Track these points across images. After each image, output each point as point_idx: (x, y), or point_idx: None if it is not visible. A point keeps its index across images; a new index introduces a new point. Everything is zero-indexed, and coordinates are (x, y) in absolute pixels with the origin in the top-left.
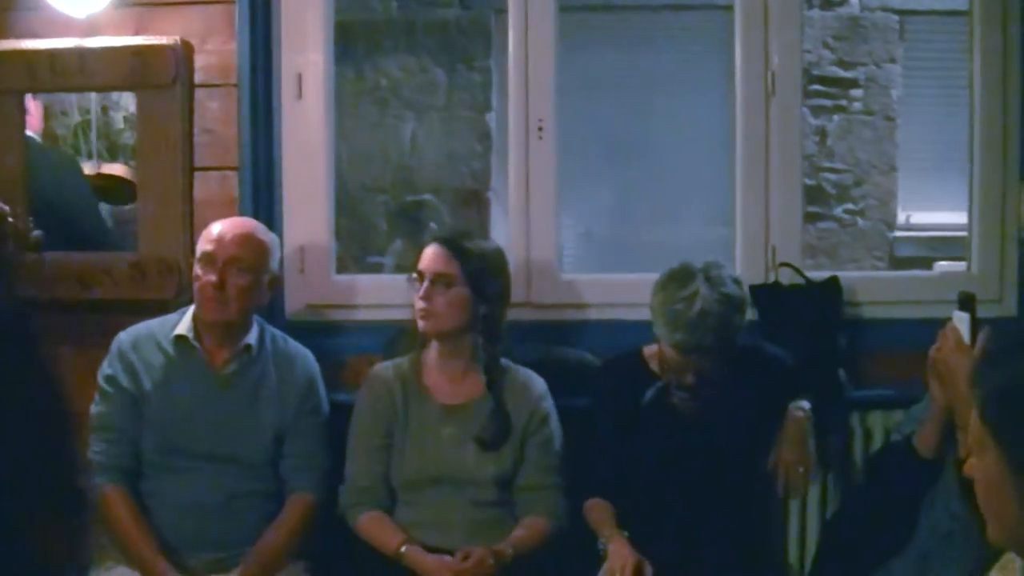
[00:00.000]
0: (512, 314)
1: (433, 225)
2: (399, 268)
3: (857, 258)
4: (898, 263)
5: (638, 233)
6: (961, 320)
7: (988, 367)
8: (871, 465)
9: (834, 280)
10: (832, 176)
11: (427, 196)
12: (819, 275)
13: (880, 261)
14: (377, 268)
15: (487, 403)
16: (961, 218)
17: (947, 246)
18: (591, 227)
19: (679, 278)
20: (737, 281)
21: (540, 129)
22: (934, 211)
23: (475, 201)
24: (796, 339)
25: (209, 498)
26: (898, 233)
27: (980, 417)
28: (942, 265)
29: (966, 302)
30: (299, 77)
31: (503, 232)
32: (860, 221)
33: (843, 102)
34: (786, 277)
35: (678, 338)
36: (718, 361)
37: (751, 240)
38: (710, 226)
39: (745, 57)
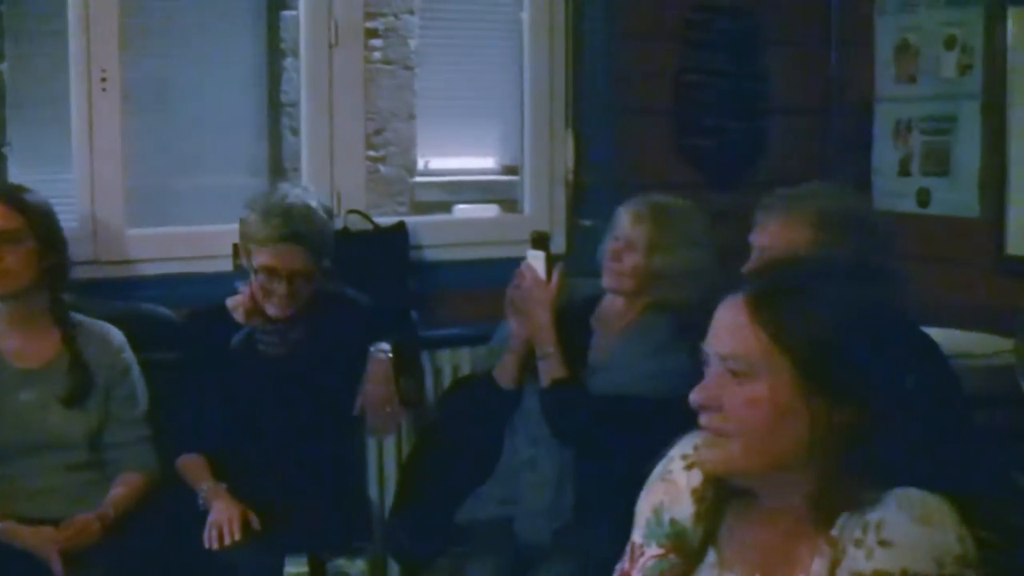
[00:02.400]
0: (80, 272)
1: None
2: None
3: (380, 204)
4: (419, 208)
5: (167, 183)
6: (536, 258)
7: (779, 294)
8: (445, 401)
9: (400, 225)
10: None
11: None
12: (386, 221)
13: (402, 206)
14: None
15: (66, 361)
16: (476, 163)
17: (465, 189)
18: None
19: (265, 192)
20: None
21: (104, 80)
22: (451, 157)
23: None
24: (368, 284)
25: None
26: (418, 179)
27: (772, 340)
28: (461, 208)
29: (539, 241)
30: None
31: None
32: (382, 168)
33: (364, 52)
34: (354, 224)
35: (273, 226)
36: (308, 275)
37: (317, 188)
38: (241, 175)
39: (309, 6)
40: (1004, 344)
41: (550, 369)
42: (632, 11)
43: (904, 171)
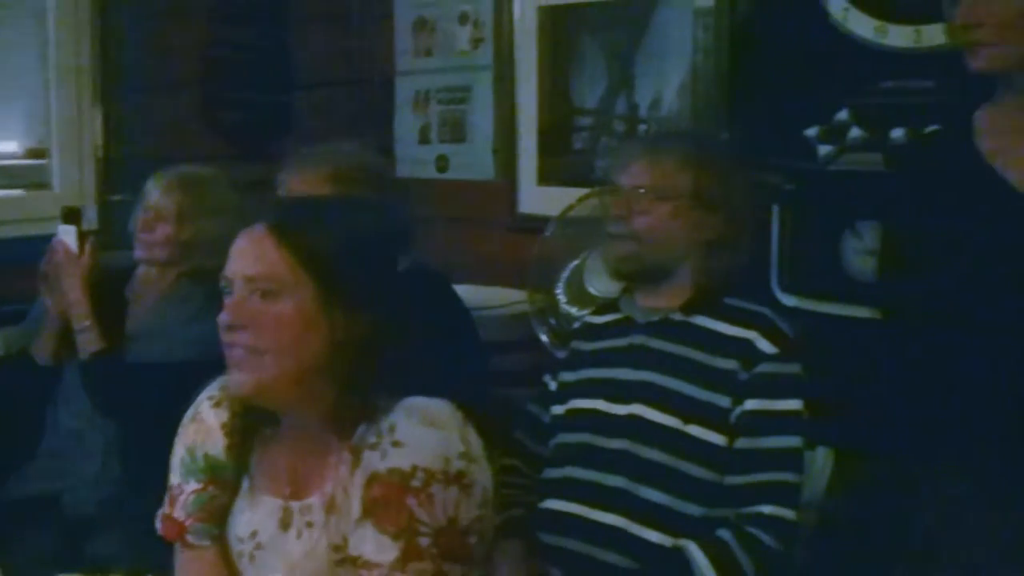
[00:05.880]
0: None
1: None
2: None
3: None
4: None
5: None
6: (68, 233)
7: (299, 220)
8: None
9: None
10: None
11: None
12: None
13: None
14: None
15: None
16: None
17: None
18: None
19: None
20: None
21: None
22: None
23: None
24: None
25: None
26: None
27: (296, 260)
28: None
29: (70, 215)
30: None
31: None
32: None
33: None
34: None
35: None
36: None
37: None
38: None
39: None
40: (518, 296)
41: (87, 342)
42: None
43: (424, 139)
